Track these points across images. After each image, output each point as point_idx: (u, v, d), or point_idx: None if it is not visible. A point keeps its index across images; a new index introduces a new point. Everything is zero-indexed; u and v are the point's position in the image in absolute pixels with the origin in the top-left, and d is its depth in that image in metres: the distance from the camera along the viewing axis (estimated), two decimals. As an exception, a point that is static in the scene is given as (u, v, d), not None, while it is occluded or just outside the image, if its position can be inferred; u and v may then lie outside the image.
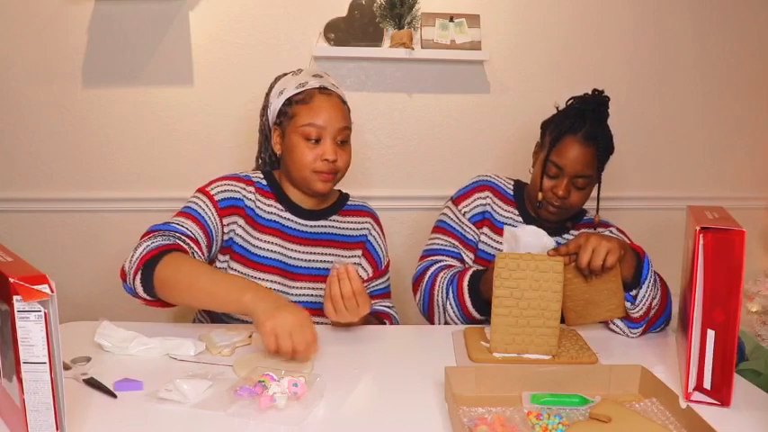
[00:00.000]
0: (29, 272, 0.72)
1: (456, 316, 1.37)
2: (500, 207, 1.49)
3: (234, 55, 1.97)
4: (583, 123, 1.34)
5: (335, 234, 1.42)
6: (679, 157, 2.18)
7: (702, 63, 2.13)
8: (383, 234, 1.51)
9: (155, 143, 1.99)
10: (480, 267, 1.43)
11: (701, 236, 0.93)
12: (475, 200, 1.49)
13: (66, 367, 0.99)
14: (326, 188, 1.34)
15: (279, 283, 1.35)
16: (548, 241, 1.20)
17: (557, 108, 1.45)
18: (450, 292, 1.36)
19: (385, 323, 1.41)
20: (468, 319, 1.37)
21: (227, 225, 1.32)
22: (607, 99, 1.39)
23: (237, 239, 1.33)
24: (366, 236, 1.46)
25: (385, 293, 1.48)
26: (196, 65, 1.96)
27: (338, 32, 1.93)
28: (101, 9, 1.91)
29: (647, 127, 2.15)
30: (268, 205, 1.37)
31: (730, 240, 0.91)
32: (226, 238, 1.33)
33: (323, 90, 1.33)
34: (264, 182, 1.40)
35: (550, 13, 2.04)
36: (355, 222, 1.45)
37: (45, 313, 0.71)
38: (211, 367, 1.03)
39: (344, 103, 1.37)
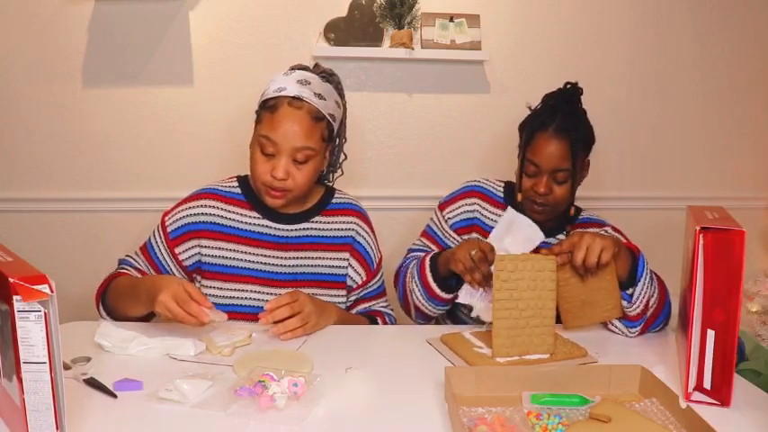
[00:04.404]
0: (29, 272, 0.72)
1: (421, 295, 1.35)
2: (489, 212, 1.48)
3: (234, 55, 1.97)
4: (554, 118, 1.35)
5: (319, 237, 1.37)
6: (679, 157, 2.18)
7: (702, 63, 2.13)
8: (372, 230, 1.45)
9: (155, 143, 1.99)
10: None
11: (700, 236, 0.93)
12: (460, 206, 1.49)
13: (67, 367, 0.99)
14: (276, 204, 1.29)
15: (262, 292, 1.33)
16: (537, 237, 1.26)
17: (529, 108, 1.45)
18: (416, 273, 1.37)
19: (377, 321, 1.40)
20: (430, 298, 1.34)
21: (185, 251, 1.33)
22: (579, 90, 1.39)
23: (207, 259, 1.33)
24: (353, 237, 1.40)
25: (379, 293, 1.46)
26: (196, 65, 1.96)
27: (338, 32, 1.93)
28: (101, 9, 1.91)
29: (647, 127, 2.15)
30: (242, 215, 1.34)
31: (730, 240, 0.91)
32: (188, 263, 1.33)
33: (294, 101, 1.23)
34: (238, 190, 1.36)
35: (550, 13, 2.04)
36: (340, 222, 1.39)
37: (45, 313, 0.71)
38: (211, 367, 1.03)
39: (319, 119, 1.25)
